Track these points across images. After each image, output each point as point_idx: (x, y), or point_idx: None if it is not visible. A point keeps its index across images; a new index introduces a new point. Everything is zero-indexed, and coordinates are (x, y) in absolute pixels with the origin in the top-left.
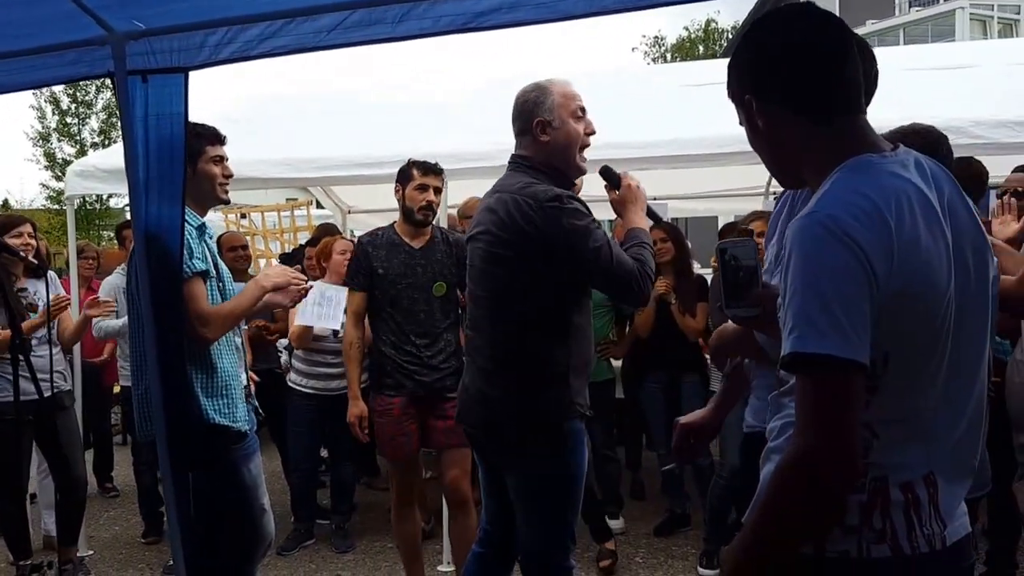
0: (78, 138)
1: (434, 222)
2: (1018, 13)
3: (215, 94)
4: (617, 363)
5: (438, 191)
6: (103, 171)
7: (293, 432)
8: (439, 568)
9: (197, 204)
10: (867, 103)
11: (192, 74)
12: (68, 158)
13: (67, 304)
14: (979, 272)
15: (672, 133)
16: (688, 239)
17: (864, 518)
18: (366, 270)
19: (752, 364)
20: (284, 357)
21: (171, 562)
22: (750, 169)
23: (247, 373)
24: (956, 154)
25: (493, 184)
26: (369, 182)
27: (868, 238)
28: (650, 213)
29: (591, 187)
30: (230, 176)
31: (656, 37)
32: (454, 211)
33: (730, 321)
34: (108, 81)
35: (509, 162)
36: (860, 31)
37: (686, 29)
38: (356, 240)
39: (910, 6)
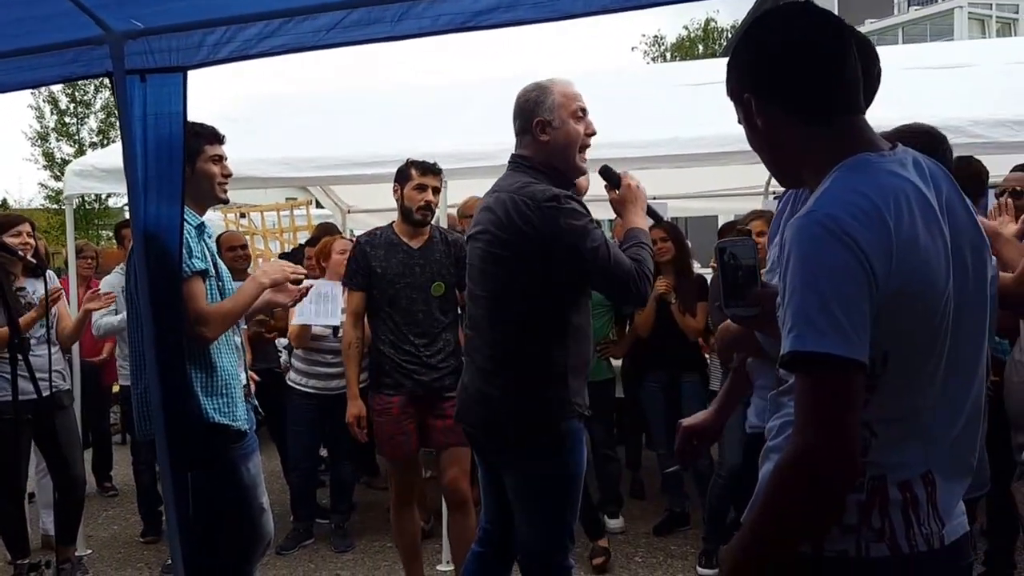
0: (77, 138)
1: (433, 222)
2: (1016, 12)
3: (214, 93)
4: (617, 362)
5: (436, 191)
6: (102, 170)
7: (292, 431)
8: (438, 567)
9: (196, 203)
10: (869, 102)
11: (191, 73)
12: (67, 158)
13: (60, 295)
14: (977, 271)
15: (672, 132)
16: (688, 238)
17: (862, 517)
18: (364, 270)
19: (754, 364)
20: (284, 356)
21: (170, 561)
22: (750, 168)
23: (247, 372)
24: (954, 153)
25: (493, 184)
26: (369, 182)
27: (867, 237)
28: (650, 213)
29: (591, 187)
30: (229, 175)
31: (656, 36)
32: (454, 211)
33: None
34: (106, 80)
35: (509, 162)
36: (859, 30)
37: (685, 28)
38: (354, 240)
39: (909, 5)
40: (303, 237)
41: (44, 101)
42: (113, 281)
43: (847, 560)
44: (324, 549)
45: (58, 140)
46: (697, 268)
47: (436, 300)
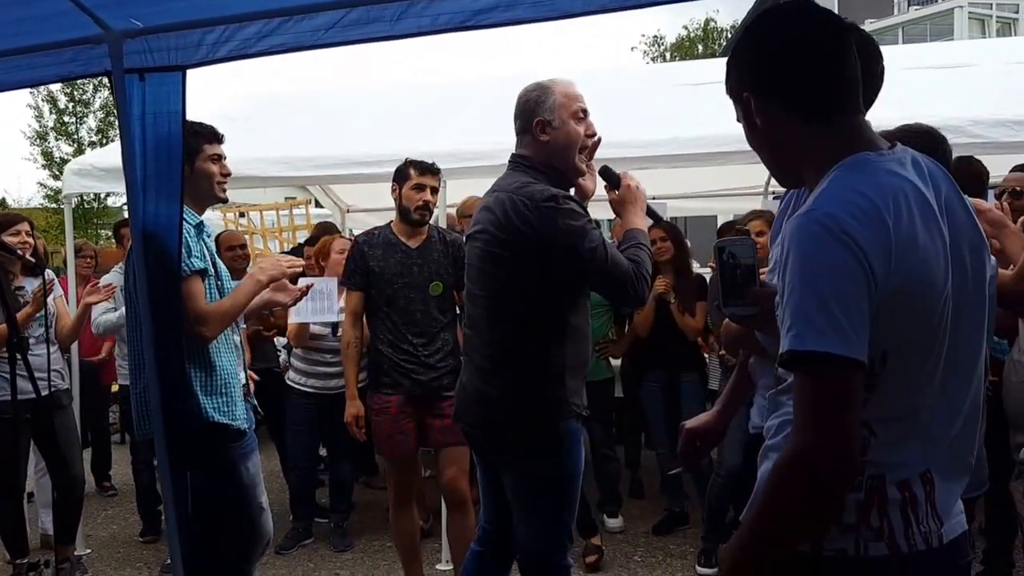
0: (76, 137)
1: (432, 221)
2: (1017, 12)
3: (213, 92)
4: (616, 362)
5: (435, 191)
6: (100, 170)
7: (292, 431)
8: (437, 567)
9: (195, 202)
10: (872, 101)
11: (190, 72)
12: (66, 157)
13: (53, 286)
14: (976, 271)
15: (671, 132)
16: (687, 238)
17: (861, 516)
18: (362, 269)
19: (757, 364)
20: (283, 356)
21: (169, 561)
22: (749, 168)
23: (246, 372)
24: (954, 153)
25: (492, 183)
26: (368, 181)
27: (866, 236)
28: (650, 213)
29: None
30: (228, 175)
31: (655, 36)
32: (453, 210)
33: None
34: (105, 80)
35: (509, 161)
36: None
37: (685, 28)
38: (353, 240)
39: (909, 5)
40: (302, 236)
41: (43, 100)
42: (112, 280)
43: (846, 559)
44: (323, 548)
45: (57, 139)
46: (696, 268)
47: (434, 300)
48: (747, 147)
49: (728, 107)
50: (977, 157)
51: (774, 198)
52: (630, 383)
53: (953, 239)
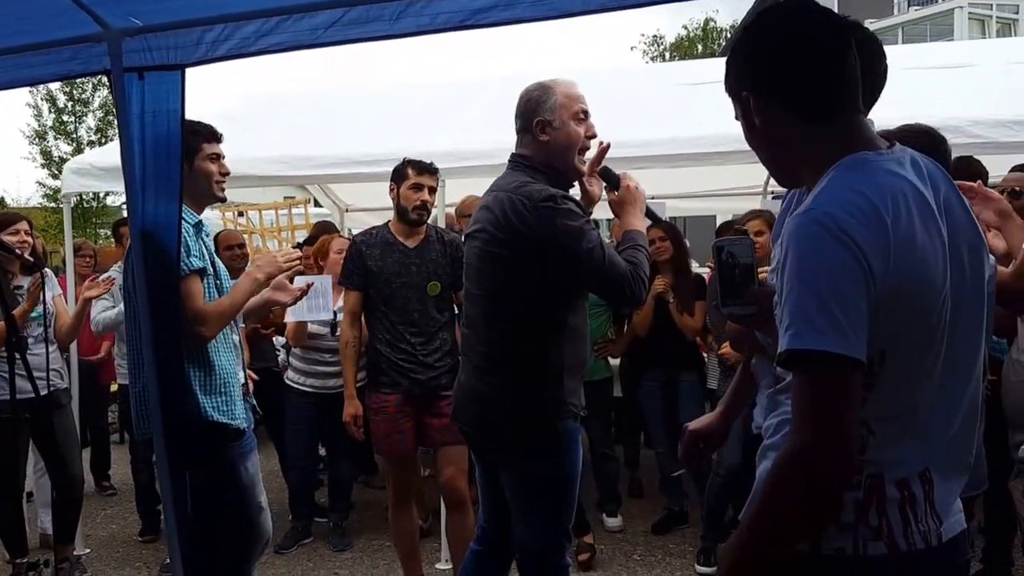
0: (75, 136)
1: (431, 221)
2: (1016, 12)
3: (212, 91)
4: (615, 361)
5: (433, 191)
6: (100, 169)
7: (291, 430)
8: (437, 566)
9: (194, 202)
10: (875, 99)
11: (189, 71)
12: (65, 156)
13: (42, 282)
14: (974, 270)
15: (670, 132)
16: (686, 238)
17: (860, 515)
18: (360, 269)
19: (759, 364)
20: (282, 355)
21: (168, 560)
22: (748, 168)
23: (245, 372)
24: (954, 153)
25: (491, 183)
26: (367, 180)
27: (865, 236)
28: (649, 214)
29: None
30: (227, 174)
31: (655, 36)
32: (452, 210)
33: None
34: (104, 79)
35: (509, 160)
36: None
37: (685, 28)
38: (350, 239)
39: (909, 5)
40: (301, 236)
41: (42, 99)
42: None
43: (845, 558)
44: (322, 548)
45: (56, 138)
46: (695, 267)
47: (432, 299)
48: (746, 147)
49: (727, 107)
50: (977, 157)
51: (773, 198)
52: (629, 382)
53: (952, 238)
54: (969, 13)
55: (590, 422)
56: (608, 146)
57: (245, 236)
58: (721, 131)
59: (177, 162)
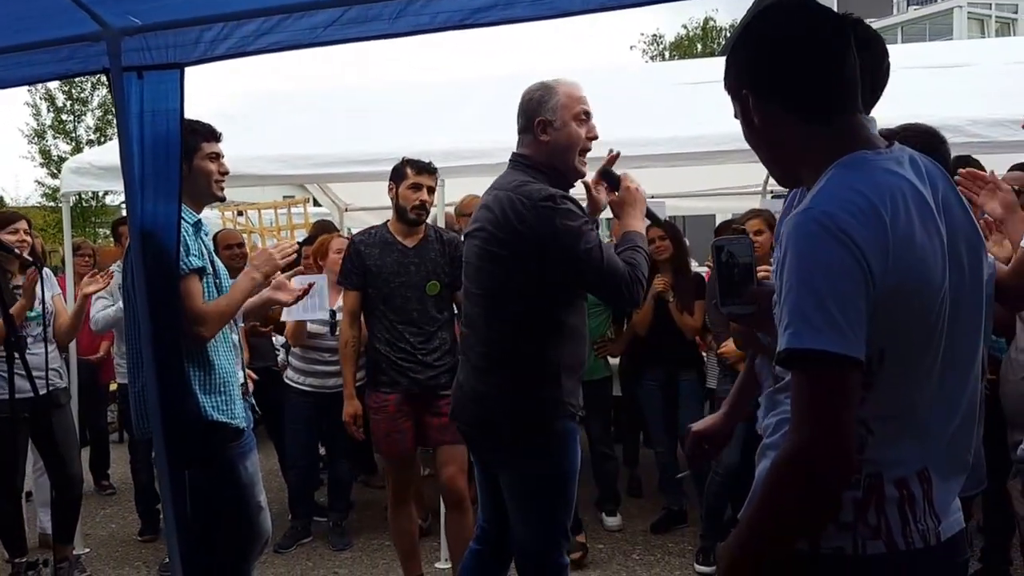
0: (73, 135)
1: (430, 220)
2: (1016, 12)
3: (211, 90)
4: (614, 361)
5: (431, 191)
6: (99, 168)
7: (290, 429)
8: (436, 565)
9: (193, 201)
10: (877, 98)
11: (188, 70)
12: (63, 155)
13: (36, 277)
14: (973, 269)
15: (670, 131)
16: (686, 237)
17: (859, 514)
18: (359, 269)
19: (762, 364)
20: (281, 355)
21: (168, 560)
22: (748, 167)
23: (245, 371)
24: (953, 152)
25: (491, 182)
26: (366, 179)
27: (863, 235)
28: (649, 215)
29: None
30: (226, 173)
31: (654, 35)
32: (451, 209)
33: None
34: (103, 77)
35: (509, 160)
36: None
37: (684, 27)
38: (349, 239)
39: (908, 5)
40: (300, 235)
41: (41, 98)
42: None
43: (843, 557)
44: (322, 547)
45: (55, 137)
46: (695, 266)
47: (431, 299)
48: (745, 146)
49: (727, 106)
50: (976, 156)
51: (772, 197)
52: (628, 382)
53: (950, 238)
54: (968, 13)
55: (590, 421)
56: (617, 155)
57: (244, 235)
58: (721, 130)
59: (176, 161)
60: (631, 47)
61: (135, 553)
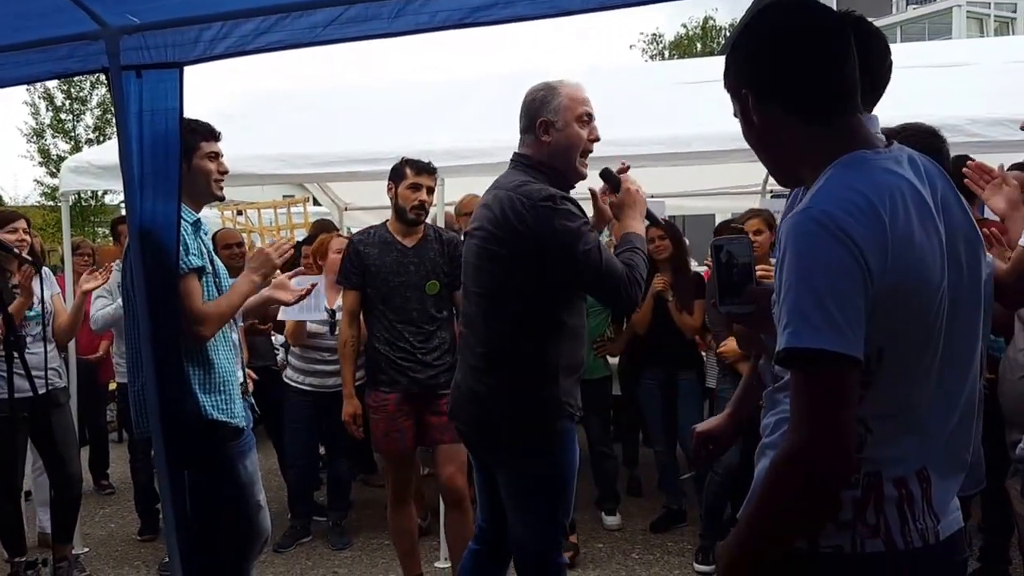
0: (72, 134)
1: (430, 220)
2: (1014, 11)
3: (210, 89)
4: (614, 360)
5: (431, 191)
6: (98, 167)
7: (290, 429)
8: (436, 564)
9: (192, 200)
10: (880, 95)
11: (187, 69)
12: (62, 154)
13: (31, 274)
14: (972, 268)
15: (670, 131)
16: (685, 236)
17: (858, 513)
18: (358, 268)
19: (766, 365)
20: (280, 354)
21: (167, 559)
22: (747, 167)
23: (244, 371)
24: (952, 152)
25: (491, 181)
26: (365, 179)
27: (862, 234)
28: (649, 216)
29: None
30: (225, 172)
31: (654, 34)
32: (451, 208)
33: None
34: (102, 76)
35: (511, 160)
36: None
37: (684, 27)
38: (348, 238)
39: (907, 4)
40: (300, 235)
41: (39, 97)
42: (112, 278)
43: (842, 556)
44: (321, 547)
45: (54, 136)
46: (694, 266)
47: (431, 298)
48: (745, 146)
49: (727, 106)
50: (974, 156)
51: (772, 196)
52: (628, 381)
53: (949, 237)
54: (967, 12)
55: (589, 421)
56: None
57: (244, 235)
58: (720, 130)
59: (176, 160)
60: (631, 46)
61: (134, 552)
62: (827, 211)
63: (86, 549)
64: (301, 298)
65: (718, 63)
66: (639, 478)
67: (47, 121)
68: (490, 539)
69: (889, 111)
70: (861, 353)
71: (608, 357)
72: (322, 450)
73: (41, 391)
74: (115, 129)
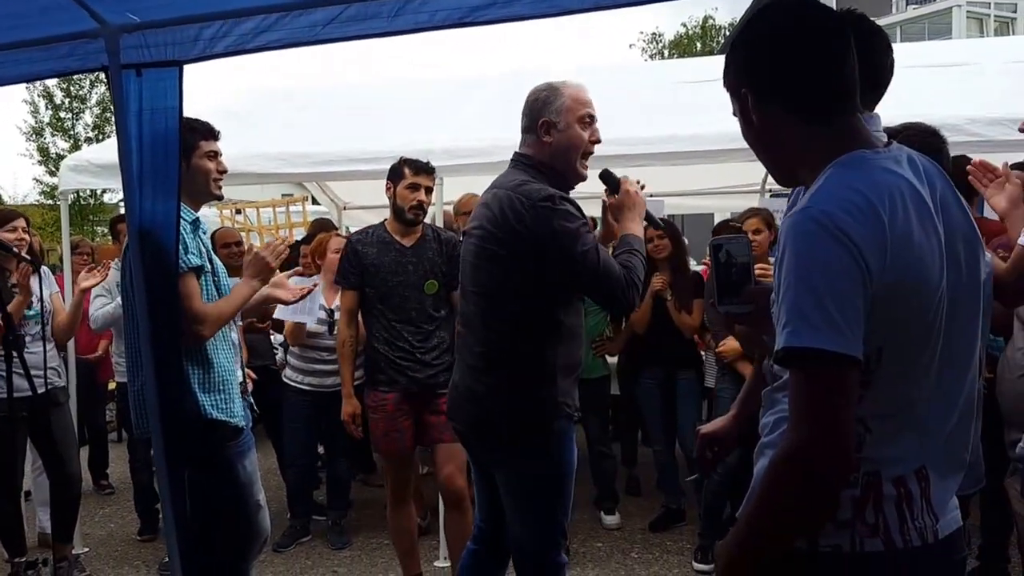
0: (72, 133)
1: (428, 219)
2: (1014, 11)
3: (210, 88)
4: (613, 360)
5: (429, 191)
6: (97, 166)
7: (289, 428)
8: (435, 564)
9: (191, 199)
10: (882, 94)
11: (186, 68)
12: (62, 153)
13: (28, 272)
14: (971, 267)
15: (669, 130)
16: (684, 236)
17: (857, 512)
18: (357, 268)
19: (769, 366)
20: (279, 354)
21: (167, 559)
22: (747, 166)
23: (243, 371)
24: (952, 151)
25: (490, 180)
26: (364, 178)
27: (861, 233)
28: (649, 218)
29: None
30: (224, 172)
31: (654, 33)
32: (450, 208)
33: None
34: (102, 75)
35: (511, 159)
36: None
37: (684, 26)
38: (347, 238)
39: (907, 4)
40: (299, 234)
41: (39, 96)
42: (110, 276)
43: (841, 554)
44: (321, 546)
45: (53, 135)
46: (693, 265)
47: (430, 298)
48: (744, 145)
49: (726, 105)
50: (974, 156)
51: (771, 196)
52: (627, 380)
53: (948, 237)
54: (967, 12)
55: (588, 420)
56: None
57: (243, 233)
58: (720, 129)
59: (175, 159)
60: (630, 45)
61: (134, 552)
62: (826, 211)
63: (86, 549)
64: (300, 298)
65: (718, 62)
66: (638, 477)
67: (46, 119)
68: (489, 539)
69: (888, 110)
70: (860, 353)
71: (607, 356)
72: (321, 449)
73: (40, 390)
74: (114, 128)
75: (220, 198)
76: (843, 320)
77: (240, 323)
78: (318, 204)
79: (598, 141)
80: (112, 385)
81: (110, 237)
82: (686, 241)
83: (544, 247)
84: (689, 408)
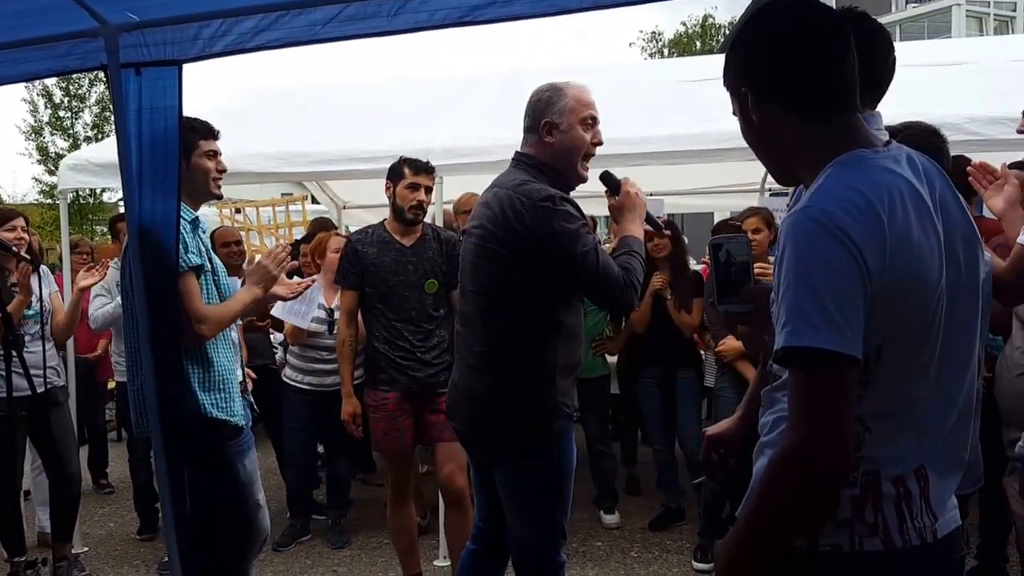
0: (71, 132)
1: (428, 218)
2: (1014, 10)
3: (209, 87)
4: (612, 359)
5: (429, 190)
6: (96, 165)
7: (289, 428)
8: (435, 563)
9: (190, 199)
10: (883, 92)
11: (186, 67)
12: (61, 152)
13: (27, 271)
14: (970, 266)
15: (669, 129)
16: (684, 235)
17: (856, 512)
18: (357, 268)
19: (771, 365)
20: (279, 353)
21: (166, 558)
22: (746, 165)
23: (243, 370)
24: (952, 150)
25: (491, 179)
26: (364, 177)
27: (861, 232)
28: (649, 220)
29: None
30: (224, 171)
31: (653, 32)
32: (450, 207)
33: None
34: (101, 74)
35: (512, 158)
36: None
37: (683, 24)
38: (347, 237)
39: (907, 2)
40: (299, 233)
41: (38, 95)
42: (110, 275)
43: (841, 554)
44: (321, 546)
45: (52, 134)
46: (693, 265)
47: (429, 297)
48: (744, 144)
49: (726, 104)
50: (974, 154)
51: (771, 195)
52: (626, 380)
53: (947, 236)
54: (966, 11)
55: (587, 419)
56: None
57: (242, 233)
58: (719, 128)
59: (175, 159)
60: (630, 44)
61: (134, 552)
62: (826, 210)
63: (86, 548)
64: (297, 295)
65: (717, 61)
66: (638, 477)
67: (46, 119)
68: (488, 539)
69: (887, 109)
70: (860, 352)
71: (607, 356)
72: (321, 449)
73: (40, 390)
74: (114, 127)
75: (220, 197)
76: (843, 319)
77: (240, 322)
78: (318, 203)
79: (600, 143)
80: (111, 384)
81: (109, 236)
82: (686, 240)
83: (544, 247)
84: (689, 407)
